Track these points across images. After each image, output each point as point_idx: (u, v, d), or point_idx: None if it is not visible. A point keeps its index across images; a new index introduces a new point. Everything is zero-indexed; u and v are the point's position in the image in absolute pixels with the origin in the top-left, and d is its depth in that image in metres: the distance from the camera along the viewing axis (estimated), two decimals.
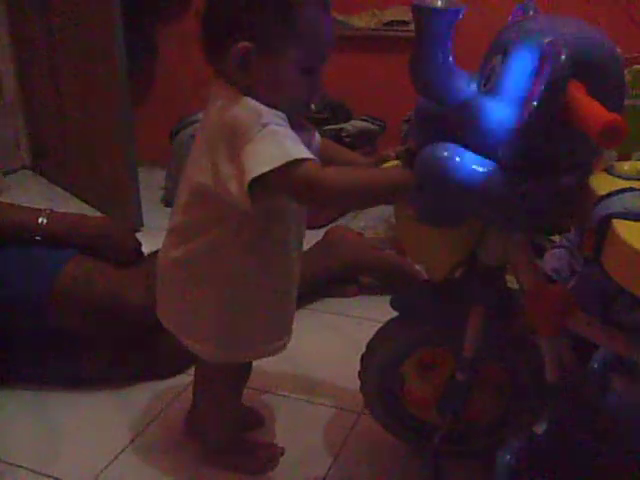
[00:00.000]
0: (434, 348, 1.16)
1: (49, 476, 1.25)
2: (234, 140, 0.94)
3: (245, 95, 0.97)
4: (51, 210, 1.50)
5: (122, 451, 1.31)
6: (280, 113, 0.96)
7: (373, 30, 2.66)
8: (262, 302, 1.11)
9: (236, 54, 0.96)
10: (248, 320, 1.10)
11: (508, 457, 1.01)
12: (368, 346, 1.19)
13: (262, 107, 0.95)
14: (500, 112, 0.84)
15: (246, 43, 0.96)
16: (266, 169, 0.90)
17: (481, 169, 0.85)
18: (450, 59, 0.87)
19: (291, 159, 0.90)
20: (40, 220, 1.46)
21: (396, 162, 1.03)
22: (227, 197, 0.96)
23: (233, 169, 0.94)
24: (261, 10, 0.96)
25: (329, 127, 2.39)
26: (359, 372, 1.21)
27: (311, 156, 0.93)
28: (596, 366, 1.05)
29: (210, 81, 1.05)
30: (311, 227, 1.58)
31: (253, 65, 0.97)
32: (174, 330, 1.16)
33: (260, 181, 0.91)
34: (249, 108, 0.95)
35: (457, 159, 0.85)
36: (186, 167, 1.08)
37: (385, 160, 1.06)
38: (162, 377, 1.53)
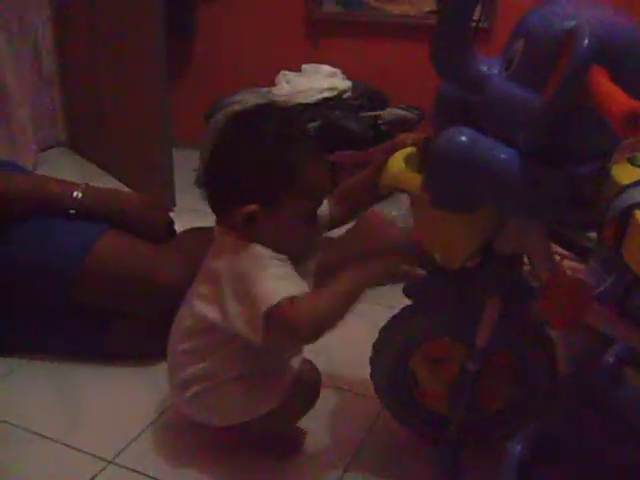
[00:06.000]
0: (445, 338, 1.16)
1: (68, 446, 1.27)
2: (241, 284, 1.03)
3: (250, 242, 1.06)
4: (86, 184, 1.51)
5: (147, 427, 1.32)
6: (281, 256, 1.05)
7: (411, 17, 2.64)
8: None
9: (243, 216, 1.04)
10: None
11: (518, 447, 1.00)
12: (380, 333, 1.20)
13: (263, 251, 1.05)
14: (521, 96, 0.84)
15: (252, 206, 1.03)
16: (264, 308, 0.99)
17: (498, 154, 0.84)
18: (471, 42, 0.86)
19: (281, 298, 0.99)
20: (75, 194, 1.48)
21: (410, 149, 1.03)
22: (238, 333, 1.05)
23: (240, 309, 1.03)
24: (264, 175, 1.04)
25: (365, 114, 2.38)
26: (370, 358, 1.21)
27: (299, 292, 1.01)
28: (610, 360, 1.04)
29: (216, 230, 1.13)
30: None
31: (259, 223, 1.05)
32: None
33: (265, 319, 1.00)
34: (252, 254, 1.04)
35: (474, 144, 0.84)
36: (190, 294, 1.17)
37: (400, 147, 1.06)
38: None
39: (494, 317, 1.04)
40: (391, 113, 2.45)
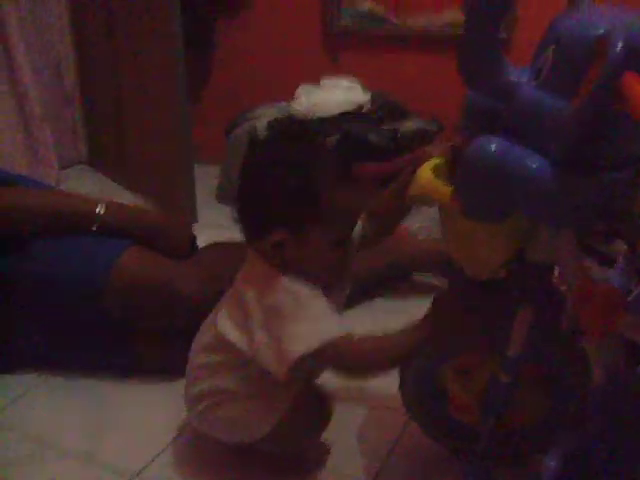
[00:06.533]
0: (474, 349, 1.14)
1: (92, 462, 1.27)
2: (273, 319, 1.04)
3: (281, 270, 1.06)
4: (109, 201, 1.52)
5: (171, 442, 1.32)
6: (315, 289, 1.06)
7: (429, 30, 2.64)
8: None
9: (273, 242, 1.05)
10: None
11: (554, 463, 0.99)
12: None
13: (298, 287, 1.05)
14: (551, 104, 0.83)
15: (282, 232, 1.05)
16: (304, 351, 1.01)
17: (529, 163, 0.83)
18: (500, 50, 0.86)
19: (325, 341, 1.01)
20: (98, 210, 1.49)
21: (437, 160, 1.03)
22: (262, 365, 1.06)
23: (270, 343, 1.04)
24: (292, 202, 1.05)
25: (385, 127, 2.38)
26: (399, 369, 1.19)
27: (343, 332, 1.03)
28: None
29: (247, 253, 1.14)
30: None
31: (288, 248, 1.06)
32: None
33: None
34: (286, 289, 1.05)
35: (505, 152, 0.83)
36: (216, 311, 1.18)
37: (426, 158, 1.05)
38: None
39: (525, 327, 1.03)
40: (411, 125, 2.44)
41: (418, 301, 1.82)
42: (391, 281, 1.90)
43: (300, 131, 1.16)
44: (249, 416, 1.16)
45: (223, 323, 1.13)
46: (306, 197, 1.04)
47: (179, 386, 1.45)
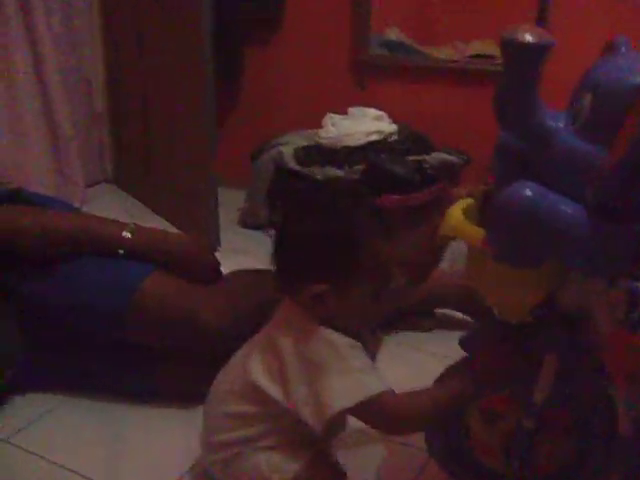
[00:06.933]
0: (499, 393, 1.13)
1: None
2: (312, 370, 1.02)
3: (318, 319, 1.04)
4: (135, 224, 1.53)
5: (185, 473, 1.30)
6: (355, 343, 1.04)
7: (457, 62, 2.65)
8: None
9: (313, 294, 1.03)
10: None
11: None
12: (435, 383, 1.17)
13: (337, 339, 1.03)
14: (588, 152, 0.82)
15: (322, 286, 1.03)
16: (346, 405, 0.99)
17: (565, 209, 0.82)
18: (538, 95, 0.85)
19: (369, 396, 0.99)
20: (124, 234, 1.49)
21: (468, 201, 1.02)
22: (299, 416, 1.03)
23: (308, 395, 1.02)
24: (336, 253, 1.03)
25: (411, 158, 2.37)
26: None
27: (386, 387, 1.02)
28: None
29: (283, 300, 1.11)
30: None
31: (327, 301, 1.04)
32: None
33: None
34: (326, 341, 1.03)
35: (539, 198, 0.83)
36: (243, 356, 1.14)
37: (455, 199, 1.05)
38: None
39: (552, 373, 1.01)
40: (437, 157, 2.44)
41: (441, 336, 1.83)
42: (415, 315, 1.89)
43: (342, 184, 1.15)
44: (269, 467, 1.12)
45: (256, 371, 1.09)
46: (350, 247, 1.03)
47: (197, 415, 1.44)
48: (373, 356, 1.11)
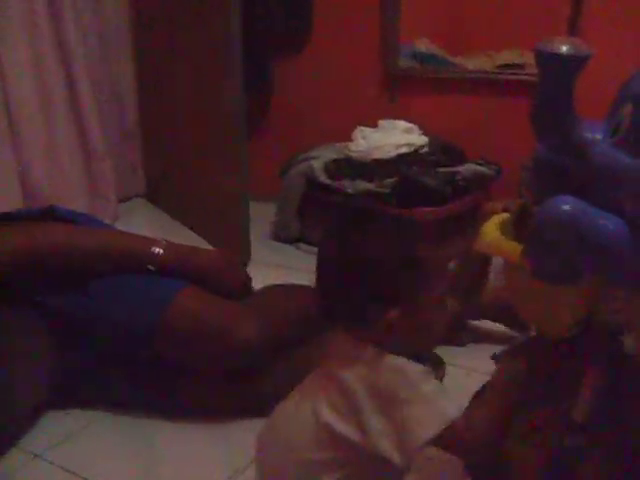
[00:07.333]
0: (539, 411, 1.10)
1: None
2: (387, 402, 0.97)
3: (383, 349, 1.00)
4: (166, 241, 1.53)
5: None
6: (424, 367, 1.00)
7: (486, 73, 2.63)
8: None
9: (388, 323, 0.99)
10: None
11: None
12: (470, 403, 1.14)
13: (408, 366, 0.99)
14: (630, 165, 0.80)
15: (394, 311, 0.98)
16: (432, 433, 0.95)
17: (605, 224, 0.80)
18: (574, 107, 0.83)
19: (449, 421, 0.95)
20: (156, 250, 1.50)
21: (502, 216, 1.00)
22: (377, 451, 0.98)
23: (387, 427, 0.97)
24: (403, 277, 0.99)
25: (442, 170, 2.35)
26: None
27: (461, 410, 0.98)
28: None
29: (338, 334, 1.05)
30: None
31: (398, 327, 0.99)
32: None
33: None
34: (396, 370, 0.98)
35: (579, 213, 0.81)
36: (306, 395, 1.09)
37: (492, 213, 1.03)
38: (266, 416, 1.51)
39: (593, 391, 0.99)
40: (468, 169, 2.42)
41: (474, 351, 1.81)
42: (449, 330, 1.86)
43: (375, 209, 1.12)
44: None
45: (327, 413, 1.02)
46: (412, 264, 1.00)
47: (229, 430, 1.45)
48: (441, 379, 1.06)
